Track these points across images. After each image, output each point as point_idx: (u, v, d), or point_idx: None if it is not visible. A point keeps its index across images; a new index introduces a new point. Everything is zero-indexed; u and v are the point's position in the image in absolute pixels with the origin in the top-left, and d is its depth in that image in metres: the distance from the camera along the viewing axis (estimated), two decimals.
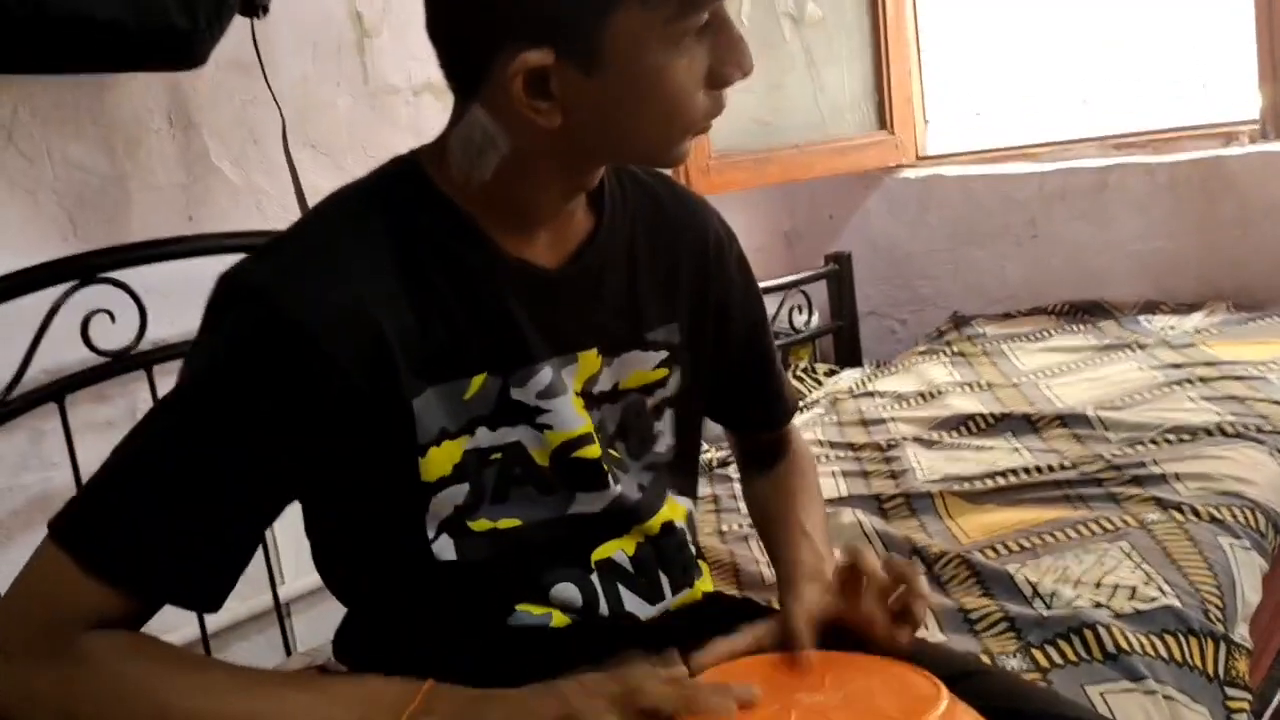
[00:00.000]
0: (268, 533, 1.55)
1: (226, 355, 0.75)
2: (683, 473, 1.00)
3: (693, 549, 0.99)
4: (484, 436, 0.84)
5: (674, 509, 0.97)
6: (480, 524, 0.85)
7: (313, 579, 1.00)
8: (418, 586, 0.86)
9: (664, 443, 0.97)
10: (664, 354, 0.94)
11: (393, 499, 0.83)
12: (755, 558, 1.40)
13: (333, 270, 0.77)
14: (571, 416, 0.87)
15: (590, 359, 0.89)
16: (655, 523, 0.94)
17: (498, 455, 0.85)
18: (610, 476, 0.90)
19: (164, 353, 1.42)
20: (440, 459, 0.82)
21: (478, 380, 0.83)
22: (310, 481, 0.81)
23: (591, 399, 0.90)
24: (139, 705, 0.71)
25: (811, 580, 0.94)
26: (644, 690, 0.71)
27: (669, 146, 0.82)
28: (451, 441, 0.82)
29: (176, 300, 1.41)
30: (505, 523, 0.86)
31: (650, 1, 0.73)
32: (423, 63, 1.76)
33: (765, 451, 1.14)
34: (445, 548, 0.84)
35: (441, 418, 0.81)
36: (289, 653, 1.53)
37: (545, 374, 0.85)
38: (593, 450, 0.88)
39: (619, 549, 0.92)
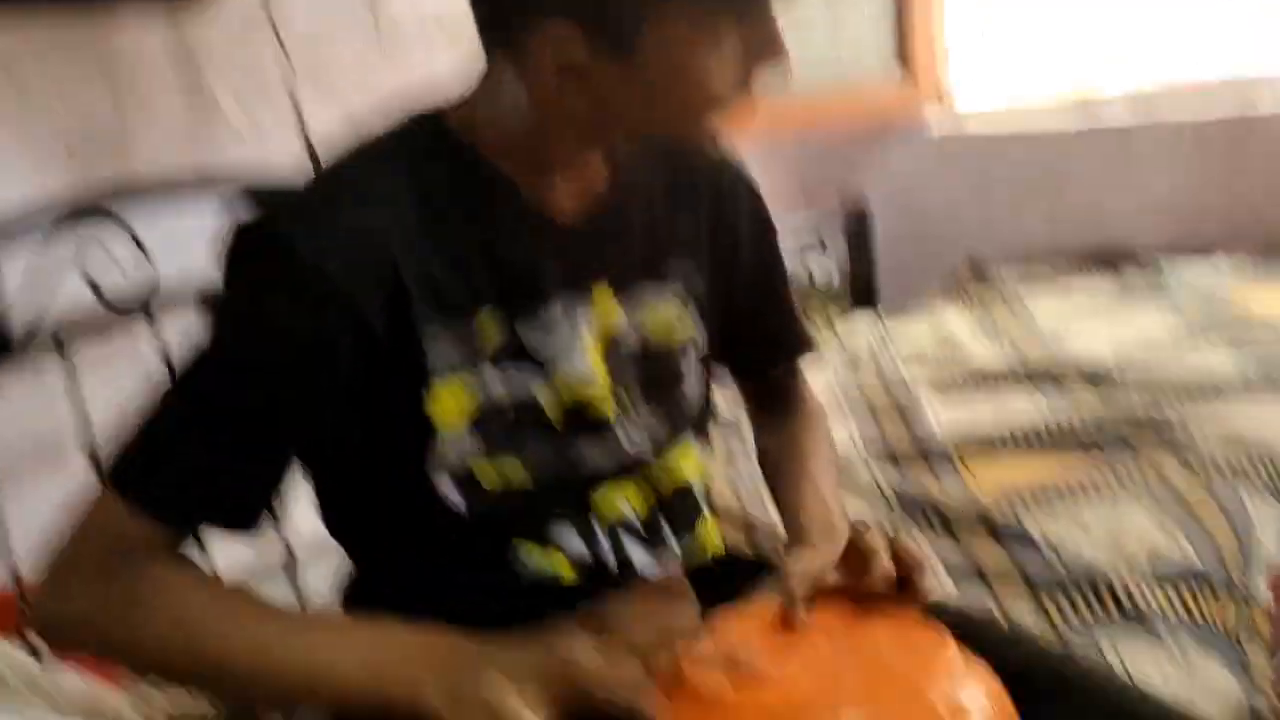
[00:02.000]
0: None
1: (250, 305, 0.78)
2: (698, 426, 0.98)
3: (704, 505, 0.98)
4: (492, 379, 0.83)
5: (688, 463, 0.95)
6: (486, 472, 0.84)
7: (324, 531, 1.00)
8: (423, 535, 0.86)
9: (687, 398, 0.95)
10: (679, 289, 0.93)
11: (400, 441, 0.82)
12: (770, 513, 1.38)
13: (350, 211, 0.79)
14: (582, 362, 0.86)
15: (605, 298, 0.88)
16: (666, 475, 0.93)
17: (505, 400, 0.84)
18: (620, 429, 0.88)
19: (168, 296, 1.39)
20: (450, 404, 0.81)
21: (486, 317, 0.82)
22: (326, 421, 0.81)
23: (610, 347, 0.88)
24: (174, 621, 0.75)
25: (818, 539, 0.92)
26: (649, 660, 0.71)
27: (697, 129, 0.83)
28: (459, 381, 0.82)
29: (180, 239, 1.38)
30: (512, 471, 0.85)
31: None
32: (433, 1, 1.71)
33: (776, 401, 1.12)
34: (452, 495, 0.83)
35: (450, 354, 0.81)
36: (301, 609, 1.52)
37: (555, 311, 0.85)
38: (603, 399, 0.87)
39: (625, 502, 0.91)
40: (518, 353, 0.84)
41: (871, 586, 0.83)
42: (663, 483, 0.93)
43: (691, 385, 0.95)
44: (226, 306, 0.80)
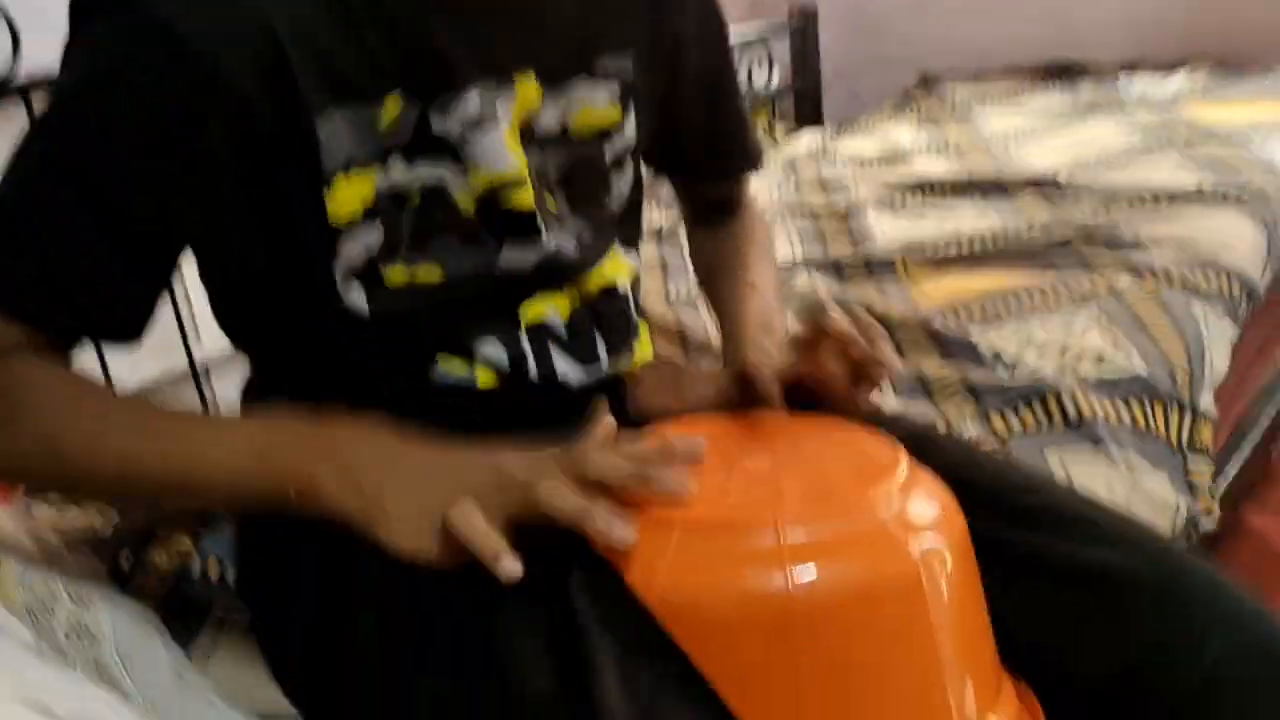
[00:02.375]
0: (181, 289, 1.47)
1: (90, 70, 0.68)
2: (629, 229, 0.91)
3: (634, 313, 0.91)
4: (399, 171, 0.74)
5: (617, 268, 0.88)
6: (396, 273, 0.76)
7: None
8: (328, 340, 0.79)
9: (617, 198, 0.88)
10: (615, 88, 0.84)
11: (296, 239, 0.74)
12: (703, 323, 1.32)
13: None
14: (502, 155, 0.77)
15: (529, 88, 0.78)
16: (594, 282, 0.86)
17: (415, 195, 0.75)
18: (544, 228, 0.80)
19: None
20: (349, 195, 0.73)
21: (391, 104, 0.73)
22: (205, 215, 0.72)
23: (531, 139, 0.80)
24: (54, 421, 0.70)
25: (763, 332, 0.87)
26: (590, 460, 0.65)
27: None
28: (361, 173, 0.73)
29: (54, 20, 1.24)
30: (425, 273, 0.77)
31: None
32: None
33: (718, 212, 1.06)
34: (357, 298, 0.76)
35: (349, 145, 0.72)
36: None
37: (472, 102, 0.75)
38: (525, 197, 0.79)
39: (552, 308, 0.84)
40: (430, 145, 0.75)
41: (827, 364, 0.81)
42: (591, 292, 0.86)
43: (622, 190, 0.88)
44: (67, 69, 0.70)
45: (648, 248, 1.26)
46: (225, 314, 0.84)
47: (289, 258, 0.76)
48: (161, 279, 0.73)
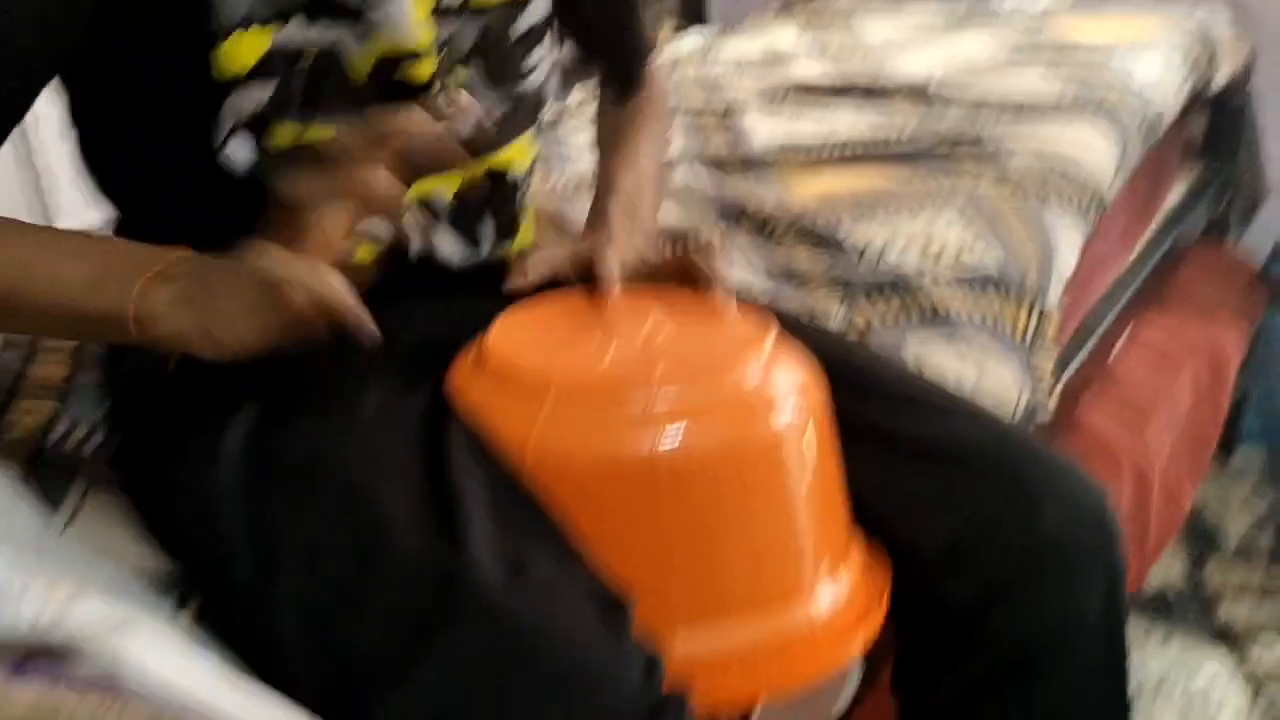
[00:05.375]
0: (40, 162, 1.40)
1: None
2: (534, 113, 0.91)
3: (523, 199, 0.92)
4: (296, 30, 0.73)
5: (518, 152, 0.89)
6: (284, 132, 0.75)
7: (95, 216, 0.89)
8: (204, 195, 0.77)
9: (532, 80, 0.88)
10: None
11: (181, 89, 0.73)
12: (582, 216, 1.33)
13: None
14: (406, 25, 0.76)
15: None
16: (491, 163, 0.86)
17: (310, 55, 0.74)
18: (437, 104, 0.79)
19: None
20: (241, 50, 0.71)
21: None
22: (89, 38, 0.70)
23: (440, 8, 0.79)
24: None
25: (625, 216, 0.89)
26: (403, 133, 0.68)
27: None
28: (259, 30, 0.71)
29: None
30: (315, 133, 0.76)
31: None
32: None
33: (622, 83, 1.07)
34: (240, 152, 0.74)
35: (247, 2, 0.70)
36: None
37: None
38: (422, 70, 0.78)
39: (439, 186, 0.83)
40: (333, 7, 0.74)
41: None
42: (484, 173, 0.86)
43: (534, 68, 0.88)
44: None
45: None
46: (94, 159, 0.81)
47: (173, 105, 0.74)
48: (19, 107, 0.70)
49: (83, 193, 0.83)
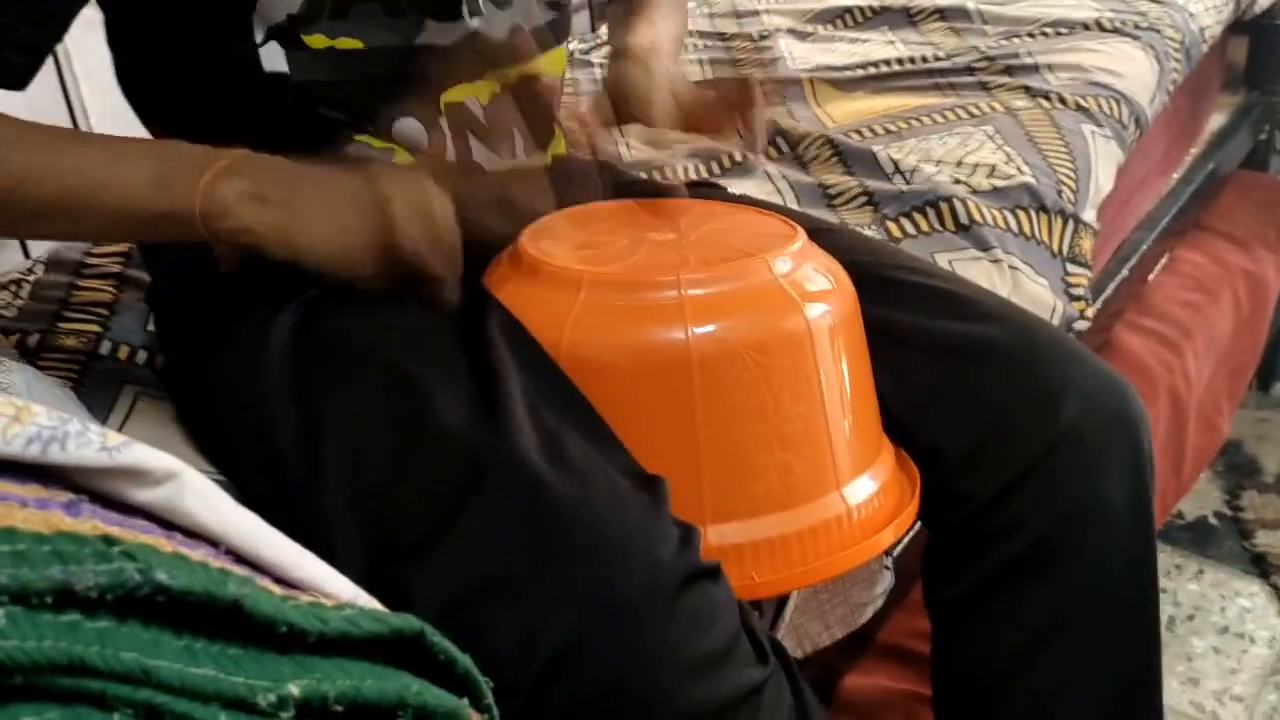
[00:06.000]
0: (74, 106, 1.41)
1: None
2: (565, 28, 0.92)
3: (555, 111, 0.92)
4: None
5: (551, 63, 0.89)
6: (316, 39, 0.75)
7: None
8: (241, 103, 0.77)
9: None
10: None
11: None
12: (614, 138, 1.33)
13: None
14: None
15: None
16: (519, 73, 0.85)
17: None
18: (466, 8, 0.80)
19: None
20: None
21: None
22: None
23: None
24: None
25: (641, 58, 0.89)
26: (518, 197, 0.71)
27: None
28: None
29: None
30: (345, 43, 0.76)
31: None
32: None
33: None
34: (274, 57, 0.74)
35: None
36: None
37: None
38: None
39: (472, 94, 0.83)
40: None
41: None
42: (513, 76, 0.85)
43: None
44: None
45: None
46: (132, 82, 0.82)
47: (205, 14, 0.74)
48: (60, 26, 0.69)
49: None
